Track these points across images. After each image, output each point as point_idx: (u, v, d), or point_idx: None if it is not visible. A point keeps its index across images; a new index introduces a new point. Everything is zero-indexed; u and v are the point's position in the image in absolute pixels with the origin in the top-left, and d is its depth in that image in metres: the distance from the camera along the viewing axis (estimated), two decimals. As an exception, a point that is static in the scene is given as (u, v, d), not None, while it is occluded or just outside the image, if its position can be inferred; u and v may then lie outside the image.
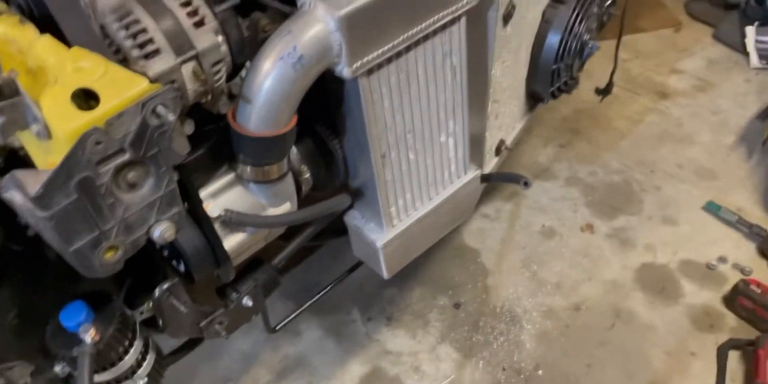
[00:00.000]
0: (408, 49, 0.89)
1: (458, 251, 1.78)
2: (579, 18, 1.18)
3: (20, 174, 0.70)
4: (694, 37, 2.35)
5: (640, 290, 1.66)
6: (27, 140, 0.75)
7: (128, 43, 0.73)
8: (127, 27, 0.73)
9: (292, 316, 1.26)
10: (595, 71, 1.98)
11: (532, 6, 1.14)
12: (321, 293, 1.51)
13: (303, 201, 1.07)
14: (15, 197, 0.71)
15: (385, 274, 1.18)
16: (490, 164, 1.27)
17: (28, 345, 0.96)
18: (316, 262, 1.80)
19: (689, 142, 1.99)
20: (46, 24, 0.73)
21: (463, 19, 0.93)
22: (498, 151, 1.28)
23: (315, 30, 0.79)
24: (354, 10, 0.78)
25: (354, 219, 1.12)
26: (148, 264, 0.97)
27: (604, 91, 1.71)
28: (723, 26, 2.31)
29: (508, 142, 1.30)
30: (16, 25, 0.73)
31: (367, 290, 1.73)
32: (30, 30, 0.73)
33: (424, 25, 0.87)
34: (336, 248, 1.74)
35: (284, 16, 0.85)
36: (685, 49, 2.31)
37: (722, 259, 1.69)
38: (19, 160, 0.77)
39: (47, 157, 0.74)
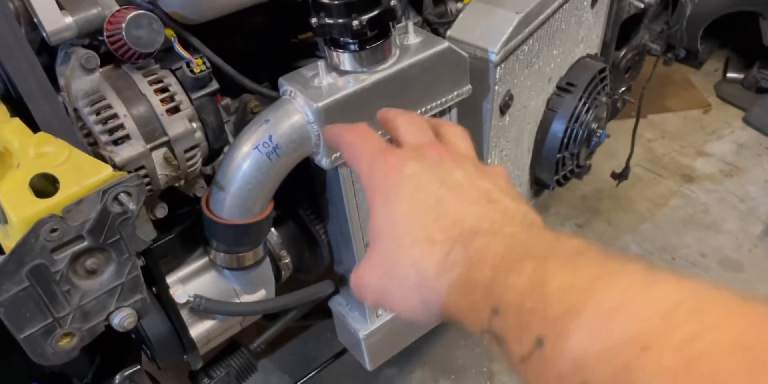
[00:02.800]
0: (392, 140, 0.86)
1: (464, 333, 1.71)
2: (586, 107, 1.14)
3: (-28, 259, 0.68)
4: (723, 120, 2.29)
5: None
6: (-8, 221, 0.74)
7: (98, 127, 0.72)
8: (98, 112, 0.72)
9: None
10: (619, 151, 1.94)
11: (535, 95, 1.11)
12: (316, 371, 1.46)
13: (287, 283, 1.03)
14: (-34, 281, 0.69)
15: (368, 366, 1.12)
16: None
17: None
18: (315, 336, 1.74)
19: (715, 230, 1.91)
20: (25, 106, 0.73)
21: (454, 111, 0.90)
22: (499, 238, 1.23)
23: (293, 120, 0.78)
24: (333, 101, 0.77)
25: (338, 305, 1.08)
26: (121, 344, 0.94)
27: (621, 176, 1.66)
28: (754, 110, 2.25)
29: (510, 229, 1.25)
30: (-11, 106, 0.73)
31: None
32: (1, 112, 0.72)
33: (409, 116, 0.85)
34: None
35: (272, 99, 0.84)
36: (713, 131, 2.25)
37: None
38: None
39: (5, 240, 0.72)
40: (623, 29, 1.39)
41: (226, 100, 0.92)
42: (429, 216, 0.44)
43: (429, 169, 0.46)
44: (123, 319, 0.77)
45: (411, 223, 0.44)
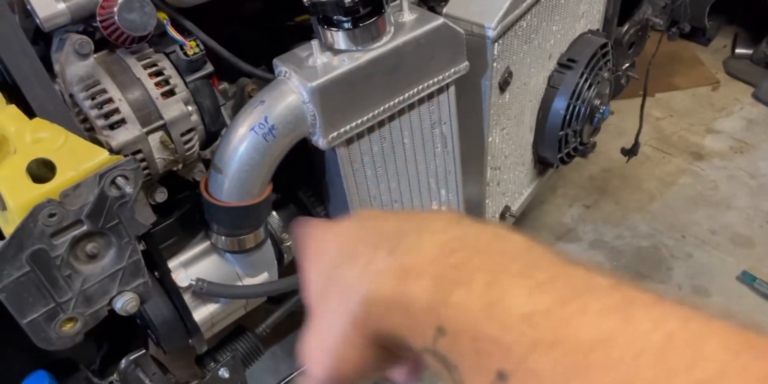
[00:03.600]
0: (391, 118, 0.86)
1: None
2: (588, 83, 1.13)
3: (-27, 245, 0.69)
4: (732, 96, 2.26)
5: (668, 365, 1.55)
6: (-8, 208, 0.74)
7: (94, 112, 0.72)
8: (93, 97, 0.72)
9: (279, 386, 1.20)
10: (627, 130, 1.92)
11: (536, 72, 1.10)
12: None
13: (290, 266, 1.04)
14: (-32, 267, 0.69)
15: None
16: (496, 231, 1.20)
17: (-3, 410, 0.94)
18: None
19: (725, 207, 1.89)
20: (20, 92, 0.73)
21: (452, 88, 0.90)
22: (503, 218, 1.22)
23: (288, 101, 0.77)
24: (328, 80, 0.76)
25: (343, 287, 1.08)
26: (129, 328, 0.95)
27: (630, 152, 1.64)
28: (764, 85, 2.22)
29: (514, 208, 1.25)
30: (-15, 93, 0.73)
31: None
32: (-4, 99, 0.73)
33: (407, 95, 0.84)
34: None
35: (268, 82, 0.84)
36: (722, 108, 2.22)
37: (757, 335, 1.57)
38: None
39: (5, 226, 0.73)
40: (625, 4, 1.37)
41: (224, 85, 0.91)
42: (346, 248, 0.39)
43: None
44: (125, 303, 0.78)
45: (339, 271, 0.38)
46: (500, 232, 0.34)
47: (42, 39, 0.79)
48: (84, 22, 0.77)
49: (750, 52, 2.35)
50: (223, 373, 0.98)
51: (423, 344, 0.33)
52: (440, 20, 0.83)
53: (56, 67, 0.77)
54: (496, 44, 0.93)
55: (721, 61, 2.39)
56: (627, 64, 1.43)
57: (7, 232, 0.71)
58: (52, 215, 0.67)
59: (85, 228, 0.70)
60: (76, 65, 0.75)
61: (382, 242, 0.36)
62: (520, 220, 1.47)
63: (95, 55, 0.77)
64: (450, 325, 0.31)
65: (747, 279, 1.67)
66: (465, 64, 0.88)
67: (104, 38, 0.76)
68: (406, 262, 0.34)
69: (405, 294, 0.33)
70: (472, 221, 0.36)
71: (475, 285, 0.31)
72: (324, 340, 0.38)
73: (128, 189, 0.69)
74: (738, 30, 2.47)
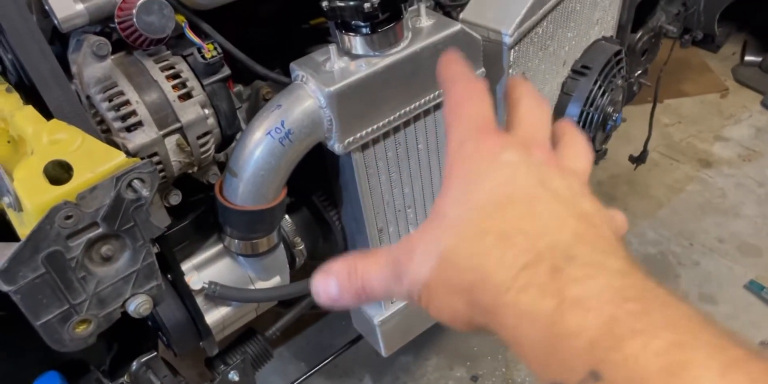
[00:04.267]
0: (407, 124, 0.86)
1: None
2: (601, 90, 1.13)
3: (-12, 246, 0.69)
4: (741, 104, 2.26)
5: (673, 373, 1.55)
6: (7, 208, 0.74)
7: (111, 114, 0.72)
8: (110, 99, 0.72)
9: (287, 389, 1.20)
10: (636, 136, 1.92)
11: (550, 78, 1.09)
12: (331, 358, 1.46)
13: (301, 269, 1.03)
14: (-17, 268, 0.69)
15: (384, 352, 1.12)
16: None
17: (8, 410, 0.94)
18: (330, 323, 1.75)
19: (733, 215, 1.88)
20: (38, 93, 0.73)
21: (467, 94, 0.89)
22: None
23: (305, 105, 0.77)
24: (345, 86, 0.76)
25: (353, 292, 1.07)
26: (140, 330, 0.95)
27: (638, 159, 1.64)
28: (773, 93, 2.22)
29: (525, 214, 1.24)
30: (2, 93, 0.73)
31: (382, 356, 1.66)
32: (14, 99, 0.73)
33: (423, 101, 0.84)
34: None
35: (284, 85, 0.84)
36: (731, 115, 2.22)
37: (764, 344, 1.56)
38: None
39: (21, 227, 0.73)
40: (639, 11, 1.37)
41: (239, 87, 0.91)
42: (513, 211, 0.34)
43: (528, 166, 0.37)
44: (139, 305, 0.77)
45: (487, 214, 0.35)
46: (676, 296, 0.31)
47: (58, 39, 0.79)
48: (101, 24, 0.77)
49: (759, 59, 2.35)
50: (233, 376, 0.98)
51: (559, 378, 0.30)
52: (458, 26, 0.83)
53: (73, 68, 0.77)
54: (513, 51, 0.93)
55: (730, 69, 2.39)
56: (639, 71, 1.42)
57: (23, 233, 0.71)
58: (68, 217, 0.67)
59: (100, 230, 0.70)
60: (93, 67, 0.75)
61: (549, 251, 0.32)
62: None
63: (112, 57, 0.77)
64: (610, 374, 0.28)
65: (754, 288, 1.66)
66: (481, 71, 0.88)
67: (121, 39, 0.76)
68: (574, 291, 0.31)
69: (559, 324, 0.30)
70: (646, 276, 0.33)
71: (657, 342, 0.28)
72: (425, 299, 0.36)
73: (144, 192, 0.69)
74: (747, 37, 2.47)
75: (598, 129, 1.16)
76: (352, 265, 0.42)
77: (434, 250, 0.36)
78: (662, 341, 0.27)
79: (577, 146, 0.43)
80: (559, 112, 1.14)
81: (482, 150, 0.37)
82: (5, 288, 0.68)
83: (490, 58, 0.90)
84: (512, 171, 0.36)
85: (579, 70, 1.14)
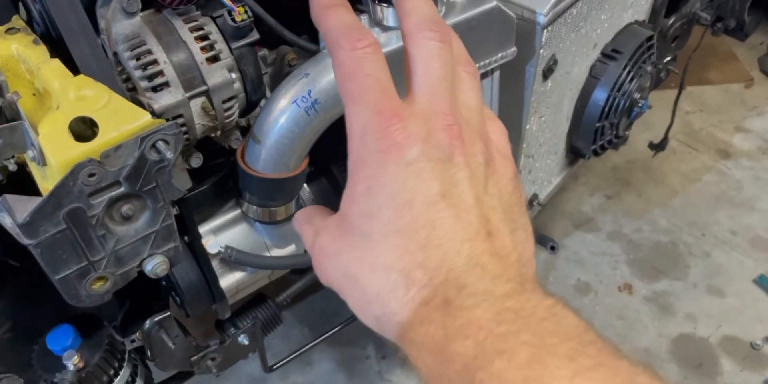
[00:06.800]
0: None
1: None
2: (630, 76, 1.11)
3: (11, 199, 0.69)
4: (765, 96, 2.22)
5: (676, 363, 1.56)
6: (30, 161, 0.74)
7: (138, 73, 0.72)
8: (138, 57, 0.71)
9: (293, 356, 1.22)
10: (655, 122, 1.90)
11: (579, 61, 1.08)
12: (338, 327, 1.47)
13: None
14: (5, 220, 0.69)
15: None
16: (520, 218, 1.20)
17: (19, 359, 0.95)
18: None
19: (748, 208, 1.87)
20: (64, 47, 0.73)
21: (497, 74, 0.88)
22: (530, 206, 1.21)
23: (333, 76, 0.76)
24: (376, 57, 0.75)
25: (365, 264, 1.08)
26: (152, 289, 0.95)
27: (658, 147, 1.62)
28: (800, 86, 2.18)
29: (542, 197, 1.24)
30: (29, 44, 0.73)
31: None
32: (41, 51, 0.72)
33: (451, 76, 0.83)
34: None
35: (311, 53, 0.83)
36: (754, 107, 2.19)
37: (768, 340, 1.57)
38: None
39: (43, 182, 0.73)
40: (674, -4, 1.34)
41: (263, 51, 0.90)
42: (414, 239, 0.38)
43: (434, 165, 0.38)
44: (156, 266, 0.78)
45: (391, 239, 0.38)
46: (558, 311, 0.35)
47: (87, -8, 0.78)
48: (132, -21, 0.76)
49: (789, 51, 2.31)
50: (243, 339, 0.99)
51: None
52: (493, 3, 0.81)
53: (101, 24, 0.76)
54: (546, 31, 0.91)
55: (756, 58, 2.35)
56: (668, 58, 1.40)
57: (45, 188, 0.71)
58: (92, 175, 0.67)
59: (122, 189, 0.70)
60: (122, 23, 0.74)
61: (443, 285, 0.36)
62: (542, 206, 1.47)
63: (141, 14, 0.76)
64: None
65: (764, 283, 1.66)
66: (513, 50, 0.87)
67: (151, -5, 0.75)
68: (459, 321, 0.35)
69: (445, 351, 0.35)
70: (535, 288, 0.37)
71: (517, 358, 0.32)
72: (345, 295, 0.41)
73: (168, 154, 0.69)
74: (778, 27, 2.42)
75: (623, 115, 1.14)
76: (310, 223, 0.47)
77: (345, 272, 0.40)
78: (523, 356, 0.32)
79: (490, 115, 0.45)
80: (585, 96, 1.12)
81: (385, 147, 0.39)
82: (26, 241, 0.69)
83: (522, 37, 0.89)
84: (415, 179, 0.38)
85: (609, 54, 1.12)
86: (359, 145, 0.41)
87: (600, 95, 1.11)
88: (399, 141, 0.39)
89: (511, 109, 0.98)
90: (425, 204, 0.38)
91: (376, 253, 0.39)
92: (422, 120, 0.40)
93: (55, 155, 0.66)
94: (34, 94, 0.73)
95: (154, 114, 0.73)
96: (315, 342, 1.40)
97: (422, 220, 0.38)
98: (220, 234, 0.88)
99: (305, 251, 0.97)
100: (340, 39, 0.42)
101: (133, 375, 0.93)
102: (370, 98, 0.40)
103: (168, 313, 0.88)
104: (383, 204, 0.39)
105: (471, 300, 0.36)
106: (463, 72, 0.45)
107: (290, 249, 0.92)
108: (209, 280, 0.86)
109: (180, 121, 0.75)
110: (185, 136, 0.77)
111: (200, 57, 0.74)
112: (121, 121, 0.67)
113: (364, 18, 0.77)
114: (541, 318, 0.34)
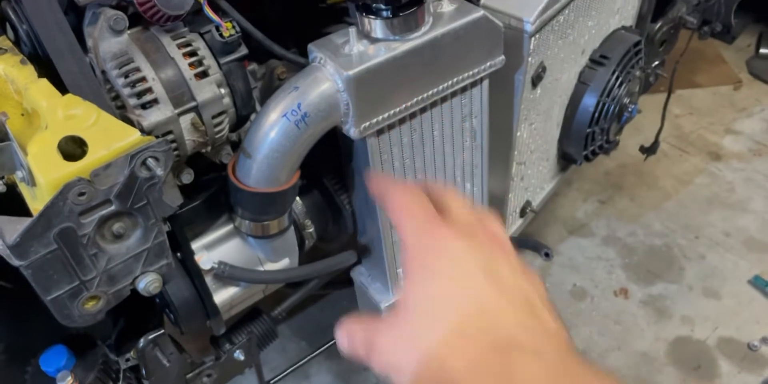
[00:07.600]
0: (423, 110, 0.85)
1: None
2: (619, 81, 1.12)
3: (1, 220, 0.68)
4: (754, 97, 2.24)
5: (673, 365, 1.55)
6: (19, 182, 0.74)
7: (126, 90, 0.71)
8: (126, 75, 0.71)
9: (290, 370, 1.21)
10: (645, 126, 1.91)
11: (568, 67, 1.08)
12: (332, 342, 1.46)
13: (310, 252, 1.03)
14: (-5, 242, 0.69)
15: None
16: (514, 226, 1.21)
17: (13, 381, 0.94)
18: (332, 304, 1.75)
19: (740, 210, 1.88)
20: (52, 66, 0.72)
21: (485, 82, 0.88)
22: (523, 213, 1.21)
23: (322, 88, 0.76)
24: (364, 70, 0.75)
25: (360, 275, 1.08)
26: (145, 307, 0.95)
27: (649, 150, 1.63)
28: (787, 87, 2.19)
29: (535, 203, 1.24)
30: (17, 65, 0.72)
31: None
32: (29, 71, 0.72)
33: (441, 87, 0.83)
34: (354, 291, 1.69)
35: (300, 66, 0.83)
36: (743, 108, 2.20)
37: (766, 341, 1.57)
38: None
39: (33, 202, 0.72)
40: (659, 1, 1.35)
41: (253, 66, 0.90)
42: (465, 307, 0.42)
43: (475, 254, 0.44)
44: (148, 283, 0.77)
45: (446, 307, 0.42)
46: (596, 377, 0.39)
47: (74, 11, 0.78)
48: (119, -3, 0.76)
49: (775, 52, 2.32)
50: (239, 355, 0.98)
51: None
52: (480, 12, 0.82)
53: (89, 42, 0.76)
54: (533, 38, 0.91)
55: (744, 61, 2.36)
56: (657, 62, 1.41)
57: (35, 208, 0.70)
58: (81, 194, 0.67)
59: (113, 208, 0.70)
60: (109, 41, 0.74)
61: (493, 341, 0.40)
62: (536, 213, 1.47)
63: (128, 31, 0.75)
64: None
65: (759, 283, 1.66)
66: (501, 58, 0.87)
67: (137, 13, 0.74)
68: (519, 376, 0.38)
69: None
70: (572, 343, 0.42)
71: None
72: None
73: (158, 171, 0.69)
74: (763, 29, 2.44)
75: (613, 120, 1.15)
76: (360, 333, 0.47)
77: (412, 352, 0.42)
78: None
79: (492, 217, 0.51)
80: (575, 102, 1.13)
81: (432, 244, 0.44)
82: (17, 262, 0.68)
83: (510, 46, 0.89)
84: (461, 264, 0.43)
85: (597, 60, 1.12)
86: (412, 249, 0.47)
87: (589, 101, 1.11)
88: (442, 238, 0.46)
89: (502, 117, 0.98)
90: (471, 280, 0.44)
91: (435, 322, 0.43)
92: (464, 226, 0.48)
93: (44, 175, 0.65)
94: (22, 115, 0.72)
95: (143, 131, 0.73)
96: (312, 355, 1.40)
97: (470, 292, 0.43)
98: (213, 249, 0.88)
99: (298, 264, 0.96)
100: (389, 186, 0.51)
101: (129, 393, 0.93)
102: (422, 216, 0.48)
103: (162, 331, 0.88)
104: (434, 286, 0.44)
105: (524, 358, 0.39)
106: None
107: (284, 263, 0.92)
108: (203, 296, 0.85)
109: (170, 137, 0.75)
110: (175, 152, 0.77)
111: (189, 73, 0.73)
112: (111, 139, 0.67)
113: (353, 30, 0.77)
114: (590, 381, 0.39)
